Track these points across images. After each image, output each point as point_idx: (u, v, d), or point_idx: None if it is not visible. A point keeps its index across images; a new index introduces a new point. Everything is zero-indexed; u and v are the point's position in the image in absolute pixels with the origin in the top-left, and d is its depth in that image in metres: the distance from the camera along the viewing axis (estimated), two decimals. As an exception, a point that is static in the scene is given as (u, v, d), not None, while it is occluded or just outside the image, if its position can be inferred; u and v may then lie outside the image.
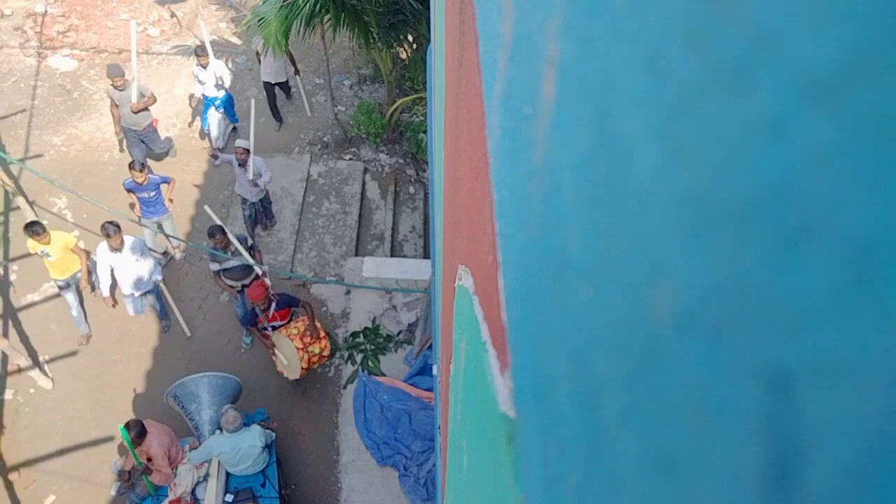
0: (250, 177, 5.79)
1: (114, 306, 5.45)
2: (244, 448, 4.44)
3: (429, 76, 4.13)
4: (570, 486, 0.42)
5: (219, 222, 5.22)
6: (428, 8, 5.63)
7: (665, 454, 0.28)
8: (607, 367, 0.35)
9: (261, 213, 6.37)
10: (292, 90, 7.81)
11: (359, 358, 5.91)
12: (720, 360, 0.23)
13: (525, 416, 0.58)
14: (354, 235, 6.83)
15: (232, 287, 5.45)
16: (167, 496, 4.50)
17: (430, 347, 5.46)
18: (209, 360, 5.78)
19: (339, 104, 8.07)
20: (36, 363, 5.56)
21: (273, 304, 5.14)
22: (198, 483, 4.57)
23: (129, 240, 5.13)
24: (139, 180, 5.54)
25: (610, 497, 0.34)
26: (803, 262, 0.19)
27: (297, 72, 7.39)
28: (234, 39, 8.94)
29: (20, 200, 6.40)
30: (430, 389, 5.38)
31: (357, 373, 5.80)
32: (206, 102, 6.91)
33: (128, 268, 5.20)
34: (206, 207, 5.52)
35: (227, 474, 4.64)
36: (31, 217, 6.40)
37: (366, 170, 7.49)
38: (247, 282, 5.44)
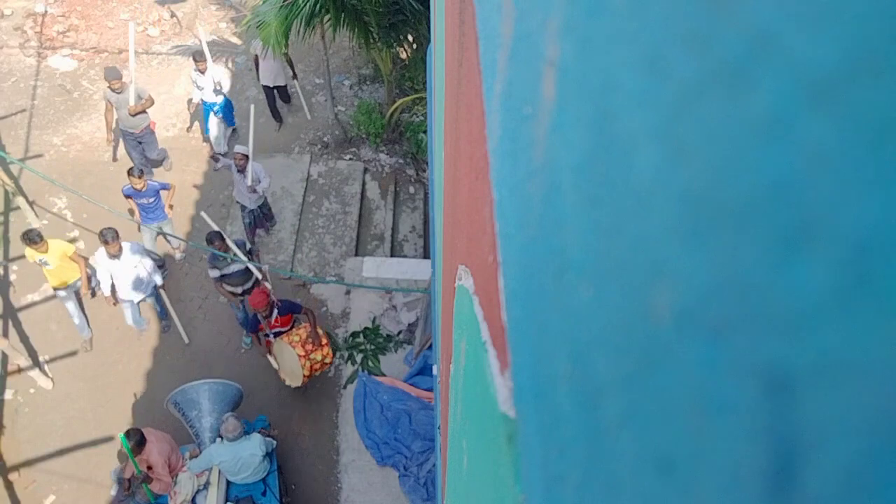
0: (249, 183, 5.75)
1: (115, 304, 5.43)
2: (245, 457, 4.41)
3: (429, 76, 4.13)
4: (570, 486, 0.42)
5: (216, 228, 5.21)
6: (428, 8, 5.63)
7: (665, 454, 0.28)
8: (607, 367, 0.35)
9: (260, 218, 6.35)
10: (291, 92, 7.78)
11: (359, 358, 5.91)
12: (720, 360, 0.23)
13: (525, 416, 0.58)
14: (354, 235, 6.83)
15: (233, 294, 5.43)
16: (167, 504, 4.49)
17: (430, 347, 5.46)
18: (209, 360, 5.79)
19: (339, 104, 8.07)
20: (36, 363, 5.56)
21: (275, 311, 5.11)
22: (198, 491, 4.55)
23: (127, 246, 5.09)
24: (138, 187, 5.50)
25: (610, 497, 0.34)
26: (803, 261, 0.19)
27: (294, 76, 7.36)
28: (234, 39, 8.94)
29: (20, 200, 6.40)
30: (430, 389, 5.38)
31: (357, 373, 5.80)
32: (206, 108, 6.90)
33: (127, 274, 5.16)
34: (203, 213, 5.51)
35: (228, 483, 4.62)
36: (31, 217, 6.41)
37: (366, 170, 7.49)
38: (248, 286, 5.43)
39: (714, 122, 0.23)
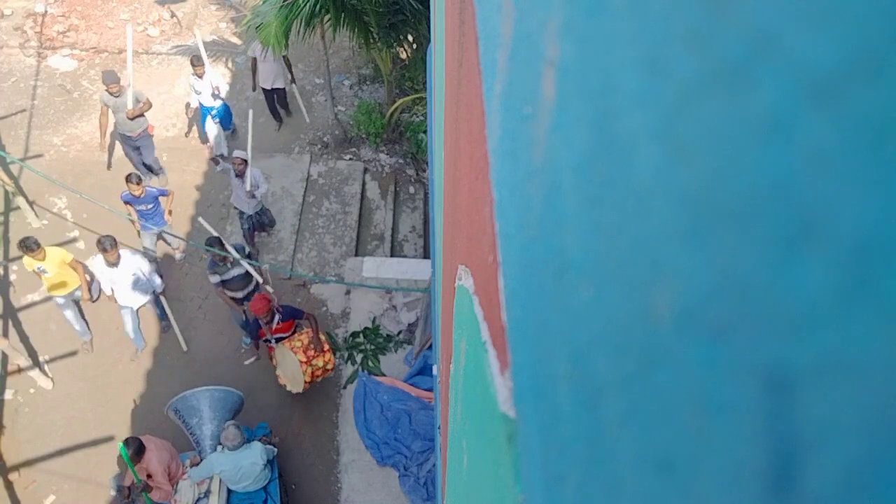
0: (248, 188, 5.72)
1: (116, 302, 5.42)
2: (245, 466, 4.39)
3: (429, 76, 4.13)
4: (570, 486, 0.42)
5: (215, 234, 5.19)
6: (428, 8, 5.63)
7: (665, 454, 0.28)
8: (607, 367, 0.35)
9: (258, 224, 6.33)
10: (289, 92, 7.73)
11: (359, 358, 5.91)
12: (720, 360, 0.23)
13: (525, 416, 0.58)
14: (354, 235, 6.83)
15: (234, 300, 5.41)
16: (168, 512, 4.47)
17: (430, 347, 5.46)
18: (209, 360, 5.79)
19: (339, 104, 8.07)
20: (36, 363, 5.56)
21: (277, 317, 5.09)
22: (198, 500, 4.53)
23: (125, 253, 5.06)
24: (136, 193, 5.45)
25: (610, 497, 0.34)
26: (803, 262, 0.19)
27: (293, 80, 7.31)
28: (234, 40, 8.94)
29: (20, 200, 6.40)
30: (430, 389, 5.38)
31: (357, 373, 5.80)
32: (203, 112, 6.88)
33: (125, 282, 5.13)
34: (201, 219, 5.49)
35: (229, 491, 4.59)
36: (31, 217, 6.41)
37: (366, 170, 7.49)
38: (249, 290, 5.41)
39: (714, 122, 0.23)
